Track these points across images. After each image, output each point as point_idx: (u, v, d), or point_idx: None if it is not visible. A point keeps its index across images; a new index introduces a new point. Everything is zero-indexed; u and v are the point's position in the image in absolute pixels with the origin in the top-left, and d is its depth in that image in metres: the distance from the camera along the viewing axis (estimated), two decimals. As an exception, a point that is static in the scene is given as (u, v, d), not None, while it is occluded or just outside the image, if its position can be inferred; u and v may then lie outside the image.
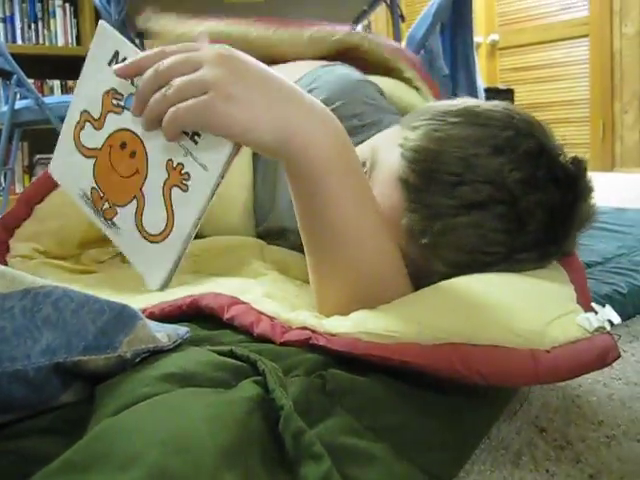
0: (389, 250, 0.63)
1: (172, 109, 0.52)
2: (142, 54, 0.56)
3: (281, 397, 0.44)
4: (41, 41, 3.82)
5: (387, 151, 0.68)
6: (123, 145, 0.58)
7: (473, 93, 2.70)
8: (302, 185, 0.59)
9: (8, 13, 3.72)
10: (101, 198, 0.60)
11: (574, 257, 0.73)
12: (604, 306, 0.52)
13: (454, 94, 2.50)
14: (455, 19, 2.79)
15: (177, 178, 0.55)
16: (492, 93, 3.66)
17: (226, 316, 0.64)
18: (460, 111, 0.66)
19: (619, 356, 0.48)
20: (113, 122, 0.59)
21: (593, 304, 0.53)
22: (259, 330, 0.60)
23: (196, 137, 0.54)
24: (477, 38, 4.91)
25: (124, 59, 0.57)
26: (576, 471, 0.53)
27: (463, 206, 0.60)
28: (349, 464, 0.45)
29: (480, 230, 0.61)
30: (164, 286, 0.55)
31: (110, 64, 0.58)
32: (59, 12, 3.82)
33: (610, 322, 0.50)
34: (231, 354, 0.52)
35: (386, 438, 0.48)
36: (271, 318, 0.62)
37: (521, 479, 0.52)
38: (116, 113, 0.58)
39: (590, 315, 0.50)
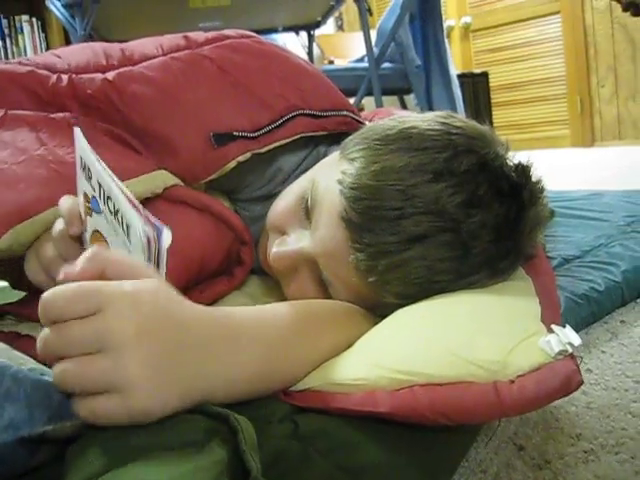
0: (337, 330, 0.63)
1: (85, 411, 0.45)
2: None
3: (249, 460, 0.43)
4: (10, 58, 3.79)
5: (326, 186, 0.67)
6: None
7: (447, 82, 2.70)
8: None
9: (-26, 32, 3.69)
10: None
11: (540, 259, 0.72)
12: (564, 327, 0.52)
13: (428, 85, 2.49)
14: (424, 8, 2.79)
15: None
16: (467, 78, 3.66)
17: None
18: (396, 136, 0.65)
19: (582, 382, 0.48)
20: (89, 223, 0.59)
21: (553, 326, 0.52)
22: None
23: None
24: (450, 21, 4.92)
25: (88, 168, 0.55)
26: (554, 493, 0.54)
27: (406, 240, 0.60)
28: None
29: (426, 262, 0.60)
30: None
31: (82, 169, 0.57)
32: (26, 27, 3.78)
33: (571, 344, 0.49)
34: (201, 412, 0.52)
35: (360, 478, 0.48)
36: None
37: (499, 506, 0.53)
38: (89, 215, 0.59)
39: (551, 338, 0.50)
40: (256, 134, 0.80)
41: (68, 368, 0.44)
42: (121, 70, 0.82)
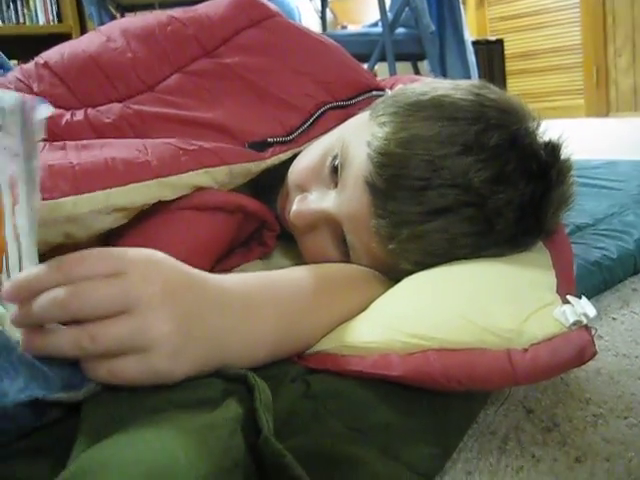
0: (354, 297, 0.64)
1: (103, 372, 0.46)
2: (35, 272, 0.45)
3: (262, 418, 0.44)
4: (22, 21, 3.77)
5: (356, 148, 0.66)
6: None
7: (461, 49, 2.66)
8: None
9: (-15, -6, 3.66)
10: None
11: (560, 234, 0.72)
12: (580, 297, 0.52)
13: (442, 52, 2.45)
14: (439, -28, 2.74)
15: None
16: (482, 45, 3.61)
17: None
18: (427, 103, 0.64)
19: (596, 353, 0.48)
20: None
21: (569, 297, 0.52)
22: None
23: None
24: (465, -12, 4.83)
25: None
26: (562, 454, 0.54)
27: (430, 212, 0.60)
28: (334, 469, 0.45)
29: (448, 234, 0.60)
30: None
31: None
32: (37, -11, 3.75)
33: (586, 315, 0.49)
34: (219, 375, 0.52)
35: (370, 439, 0.49)
36: None
37: (507, 466, 0.53)
38: None
39: (567, 308, 0.50)
40: (290, 137, 0.79)
41: (91, 330, 0.44)
42: (138, 98, 0.78)
